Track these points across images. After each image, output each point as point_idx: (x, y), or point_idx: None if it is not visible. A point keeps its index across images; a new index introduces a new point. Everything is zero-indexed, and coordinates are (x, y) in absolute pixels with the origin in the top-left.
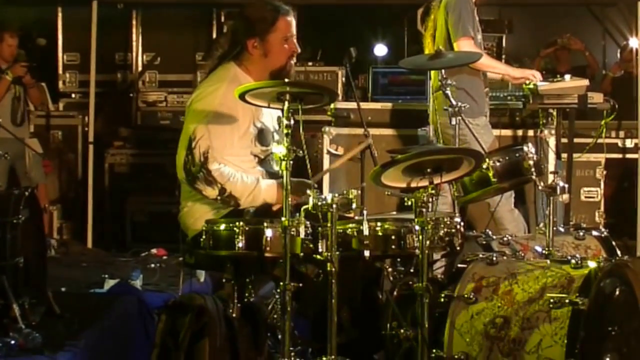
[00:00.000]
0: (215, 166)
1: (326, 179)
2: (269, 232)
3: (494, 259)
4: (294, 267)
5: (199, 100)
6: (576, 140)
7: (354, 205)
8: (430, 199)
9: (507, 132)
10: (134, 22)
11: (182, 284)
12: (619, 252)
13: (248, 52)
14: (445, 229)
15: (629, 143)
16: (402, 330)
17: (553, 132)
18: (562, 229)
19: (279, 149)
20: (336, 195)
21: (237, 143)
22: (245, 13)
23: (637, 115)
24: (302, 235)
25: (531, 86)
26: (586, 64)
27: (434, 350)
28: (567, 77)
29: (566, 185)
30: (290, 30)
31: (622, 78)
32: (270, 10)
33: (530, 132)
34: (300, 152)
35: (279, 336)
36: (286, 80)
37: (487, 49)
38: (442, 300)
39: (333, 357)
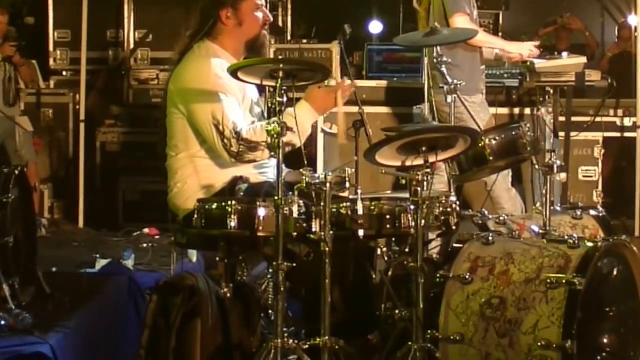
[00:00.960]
0: (247, 132)
1: (320, 157)
2: (261, 212)
3: (490, 238)
4: (286, 246)
5: (193, 83)
6: (574, 118)
7: (348, 184)
8: (426, 178)
9: (504, 111)
10: None
11: (174, 264)
12: (616, 232)
13: (222, 23)
14: (441, 209)
15: (628, 122)
16: (396, 311)
17: (550, 110)
18: (559, 209)
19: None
20: (330, 174)
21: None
22: None
23: (636, 94)
24: (295, 214)
25: (528, 64)
26: (585, 42)
27: (429, 331)
28: (565, 54)
29: (563, 164)
30: None
31: (620, 56)
32: None
33: (527, 111)
34: (293, 129)
35: (272, 317)
36: (279, 57)
37: (483, 26)
38: (438, 280)
39: (327, 338)
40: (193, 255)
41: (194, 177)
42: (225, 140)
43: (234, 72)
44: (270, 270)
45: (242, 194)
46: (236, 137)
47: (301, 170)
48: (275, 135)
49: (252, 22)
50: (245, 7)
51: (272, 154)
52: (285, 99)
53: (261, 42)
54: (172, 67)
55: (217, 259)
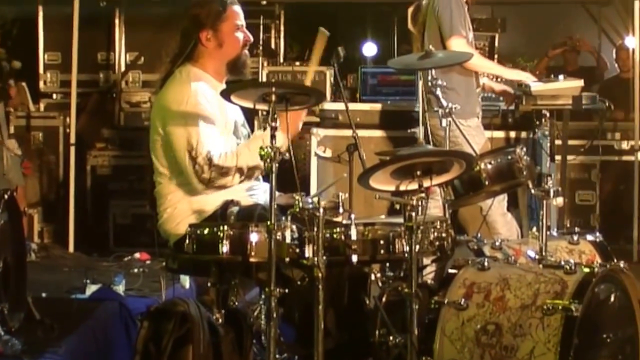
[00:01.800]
0: (217, 157)
1: (313, 181)
2: (253, 237)
3: (486, 264)
4: (279, 270)
5: (172, 106)
6: (570, 142)
7: (341, 209)
8: (420, 202)
9: (500, 134)
10: (116, 21)
11: (165, 289)
12: (614, 257)
13: (202, 45)
14: (436, 233)
15: (625, 145)
16: (391, 337)
17: (547, 133)
18: (555, 233)
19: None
20: (322, 197)
21: (222, 139)
22: (191, 11)
23: (633, 117)
24: (288, 239)
25: (523, 87)
26: (594, 64)
27: (424, 358)
28: (561, 77)
29: (559, 189)
30: (240, 19)
31: (618, 78)
32: (217, 2)
33: (524, 134)
34: (287, 154)
35: (265, 343)
36: (272, 80)
37: (479, 49)
38: (432, 306)
39: None
40: (185, 280)
41: (184, 201)
42: (197, 167)
43: (226, 94)
44: (263, 296)
45: (233, 217)
46: (208, 164)
47: (294, 194)
48: (268, 160)
49: (233, 43)
50: (224, 28)
51: (242, 178)
52: (277, 123)
53: (242, 62)
54: (156, 93)
55: (209, 284)
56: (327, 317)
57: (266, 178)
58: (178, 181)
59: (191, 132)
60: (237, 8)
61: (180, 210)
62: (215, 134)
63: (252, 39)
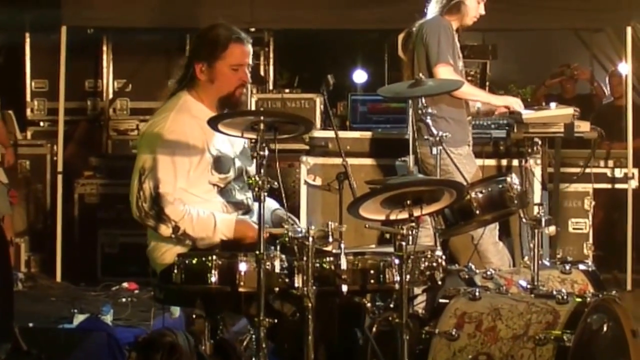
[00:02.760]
0: (167, 203)
1: (303, 210)
2: (242, 266)
3: (477, 294)
4: (270, 304)
5: (148, 132)
6: (563, 169)
7: (331, 238)
8: (411, 232)
9: (491, 162)
10: (104, 48)
11: (153, 319)
12: (606, 287)
13: (196, 76)
14: (427, 263)
15: (619, 173)
16: None
17: (539, 161)
18: (547, 263)
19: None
20: (313, 227)
21: (193, 173)
22: (201, 32)
23: (626, 145)
24: (277, 269)
25: (515, 115)
26: (592, 92)
27: None
28: (553, 105)
29: (551, 218)
30: (242, 59)
31: (612, 106)
32: (225, 35)
33: (515, 162)
34: (275, 183)
35: None
36: (261, 109)
37: (470, 76)
38: (423, 336)
39: None
40: (175, 310)
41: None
42: (141, 192)
43: (214, 123)
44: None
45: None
46: (153, 198)
47: (283, 224)
48: (256, 189)
49: (225, 81)
50: (220, 65)
51: (173, 235)
52: (266, 152)
53: (235, 100)
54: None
55: (194, 315)
56: (319, 353)
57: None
58: None
59: (149, 158)
60: (242, 47)
61: (164, 240)
62: (180, 170)
63: (249, 80)
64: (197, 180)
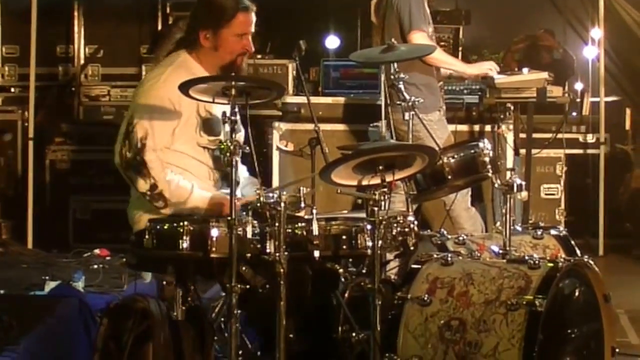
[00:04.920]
0: (151, 157)
1: (275, 176)
2: (214, 232)
3: (449, 259)
4: (242, 271)
5: (142, 85)
6: (535, 135)
7: (303, 204)
8: (383, 197)
9: (464, 128)
10: (75, 13)
11: (126, 285)
12: (578, 252)
13: (200, 42)
14: (399, 228)
15: (591, 138)
16: (354, 334)
17: (511, 127)
18: (519, 228)
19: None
20: (285, 193)
21: (178, 132)
22: (200, 5)
23: (599, 109)
24: (249, 235)
25: (488, 80)
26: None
27: (387, 354)
28: (525, 70)
29: (523, 183)
30: (247, 28)
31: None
32: (232, 4)
33: (488, 128)
34: (247, 148)
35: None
36: (232, 74)
37: (443, 41)
38: (396, 302)
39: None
40: (147, 275)
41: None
42: (126, 141)
43: (185, 88)
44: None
45: (197, 217)
46: (138, 149)
47: (255, 189)
48: (227, 153)
49: (229, 49)
50: (226, 34)
51: (147, 194)
52: (238, 117)
53: (236, 68)
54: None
55: (165, 282)
56: (291, 319)
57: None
58: None
59: (140, 110)
60: (248, 16)
61: (145, 201)
62: (167, 127)
63: (252, 49)
64: (184, 140)
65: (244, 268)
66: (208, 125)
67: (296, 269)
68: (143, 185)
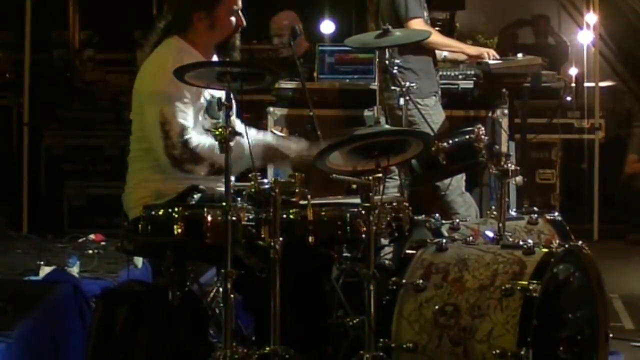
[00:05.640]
0: (196, 143)
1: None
2: (209, 218)
3: (444, 244)
4: (239, 258)
5: (150, 82)
6: (530, 120)
7: (297, 190)
8: (377, 183)
9: (459, 113)
10: None
11: (119, 271)
12: (572, 237)
13: (194, 24)
14: (393, 214)
15: (586, 123)
16: (348, 319)
17: (506, 112)
18: (514, 213)
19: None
20: (279, 178)
21: (195, 117)
22: None
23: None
24: (244, 220)
25: (482, 65)
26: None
27: (382, 340)
28: (520, 55)
29: (518, 168)
30: (238, 3)
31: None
32: None
33: (483, 113)
34: (243, 134)
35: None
36: (227, 59)
37: (437, 26)
38: (390, 287)
39: (276, 346)
40: (138, 260)
41: (150, 180)
42: (169, 141)
43: (179, 74)
44: (219, 278)
45: (192, 203)
46: (182, 143)
47: (250, 175)
48: (222, 140)
49: (224, 26)
50: (220, 11)
51: (209, 173)
52: (234, 103)
53: (231, 44)
54: (142, 61)
55: (163, 267)
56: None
57: None
58: (148, 158)
59: (166, 106)
60: None
61: (143, 188)
62: (190, 112)
63: (245, 23)
64: (197, 125)
65: (238, 247)
66: (211, 107)
67: (291, 254)
68: (202, 169)
